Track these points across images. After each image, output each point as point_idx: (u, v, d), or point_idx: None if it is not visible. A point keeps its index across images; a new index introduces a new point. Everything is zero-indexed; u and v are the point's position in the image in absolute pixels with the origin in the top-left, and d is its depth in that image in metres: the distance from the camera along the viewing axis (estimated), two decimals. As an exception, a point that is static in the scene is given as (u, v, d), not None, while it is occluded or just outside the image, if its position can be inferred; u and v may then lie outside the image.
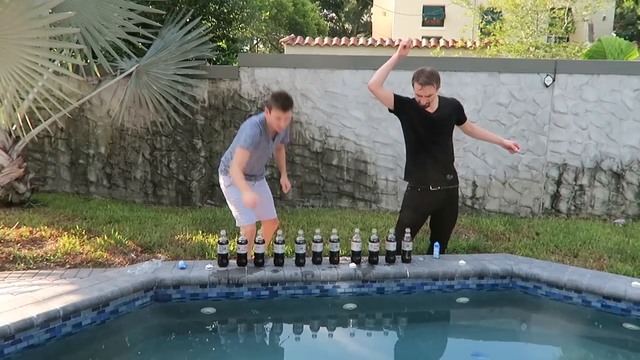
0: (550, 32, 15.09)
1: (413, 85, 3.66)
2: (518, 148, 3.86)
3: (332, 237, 3.44)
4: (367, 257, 3.54)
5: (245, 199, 3.32)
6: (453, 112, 3.81)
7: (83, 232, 5.09)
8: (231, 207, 3.84)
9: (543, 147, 6.34)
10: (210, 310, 3.14)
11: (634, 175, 6.31)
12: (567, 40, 15.91)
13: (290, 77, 6.39)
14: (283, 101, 3.53)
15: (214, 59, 7.44)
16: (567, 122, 6.28)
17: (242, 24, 8.98)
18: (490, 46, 14.95)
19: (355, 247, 3.44)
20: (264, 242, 3.44)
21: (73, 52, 6.06)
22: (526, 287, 3.46)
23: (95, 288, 2.86)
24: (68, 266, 4.42)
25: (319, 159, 6.52)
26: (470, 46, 16.87)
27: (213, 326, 3.08)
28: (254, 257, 3.44)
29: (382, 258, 3.58)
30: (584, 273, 3.41)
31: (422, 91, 3.56)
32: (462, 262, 3.53)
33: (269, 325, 3.20)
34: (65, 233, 5.09)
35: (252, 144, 3.55)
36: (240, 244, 3.33)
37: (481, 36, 16.10)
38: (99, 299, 2.75)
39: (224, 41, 8.41)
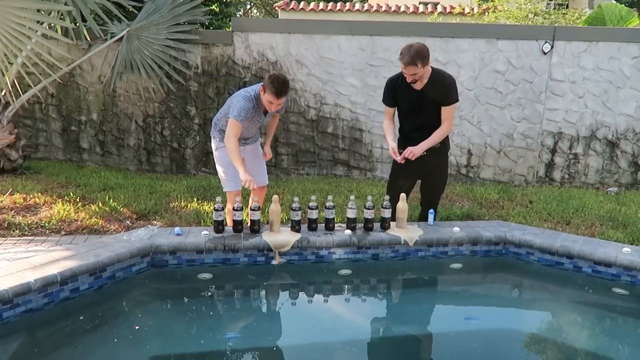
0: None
1: (399, 60, 3.51)
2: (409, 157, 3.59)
3: (327, 204, 3.45)
4: (362, 224, 3.55)
5: (241, 176, 3.30)
6: (437, 94, 3.60)
7: (77, 199, 5.08)
8: (219, 170, 3.82)
9: (539, 115, 6.32)
10: (206, 275, 3.16)
11: (628, 144, 6.33)
12: (567, 7, 15.65)
13: (284, 42, 6.27)
14: (278, 87, 3.37)
15: (207, 23, 7.27)
16: (564, 90, 6.25)
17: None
18: (488, 12, 14.69)
19: (351, 214, 3.45)
20: (259, 208, 3.44)
21: (61, 14, 5.90)
22: (519, 254, 3.51)
23: (92, 254, 2.86)
24: (63, 233, 4.42)
25: (314, 126, 6.48)
26: (468, 12, 16.57)
27: (209, 292, 3.11)
28: (249, 223, 3.43)
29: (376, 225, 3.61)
30: (576, 239, 3.45)
31: (407, 70, 3.46)
32: (456, 228, 3.56)
33: (265, 291, 3.24)
34: (60, 200, 5.07)
35: (245, 117, 3.51)
36: (236, 210, 3.33)
37: (479, 2, 15.80)
38: (95, 265, 2.76)
39: (216, 4, 8.21)
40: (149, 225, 3.34)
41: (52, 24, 5.87)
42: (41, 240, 4.21)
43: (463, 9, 16.58)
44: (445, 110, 3.65)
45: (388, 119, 3.85)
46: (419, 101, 3.64)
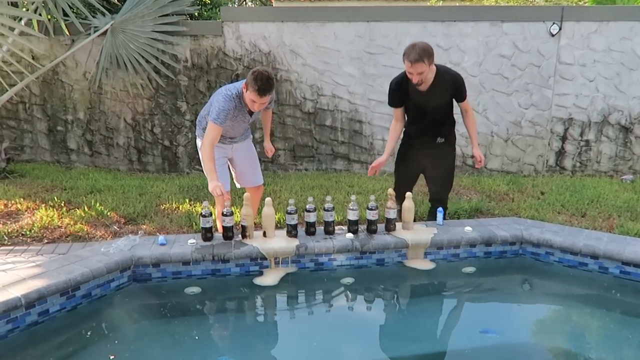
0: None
1: (404, 61, 3.29)
2: (481, 163, 3.54)
3: (326, 206, 3.14)
4: (365, 226, 3.25)
5: (210, 187, 3.01)
6: (448, 91, 3.45)
7: (62, 204, 4.80)
8: (205, 170, 3.52)
9: (548, 101, 5.99)
10: (194, 290, 2.85)
11: (642, 128, 6.01)
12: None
13: (277, 32, 5.94)
14: (261, 84, 3.02)
15: (195, 14, 6.93)
16: (574, 74, 5.91)
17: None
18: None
19: (352, 215, 3.14)
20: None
21: (38, 8, 5.56)
22: (537, 254, 3.20)
23: (64, 270, 2.56)
24: (46, 241, 4.14)
25: (311, 119, 6.16)
26: (454, 5, 16.13)
27: (198, 308, 2.81)
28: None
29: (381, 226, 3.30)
30: (600, 237, 3.14)
31: (413, 69, 3.24)
32: (468, 228, 3.25)
33: (260, 306, 2.92)
34: (43, 205, 4.79)
35: (224, 119, 3.18)
36: (225, 215, 3.02)
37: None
38: (67, 283, 2.46)
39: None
40: (130, 235, 3.04)
41: (30, 19, 5.53)
42: (21, 250, 3.92)
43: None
44: (463, 105, 3.58)
45: (396, 120, 3.65)
46: (426, 102, 3.44)
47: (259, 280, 2.95)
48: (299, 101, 6.10)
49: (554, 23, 5.76)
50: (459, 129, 3.85)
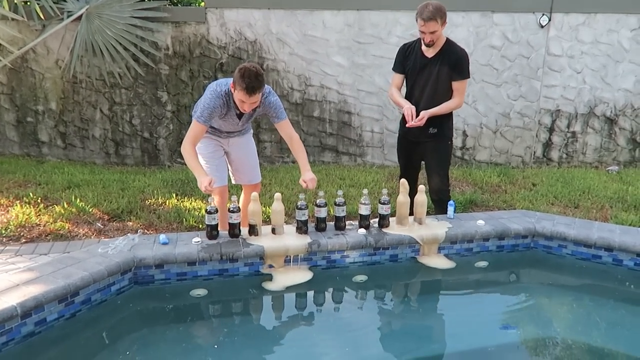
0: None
1: (417, 20, 3.28)
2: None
3: (337, 200, 2.98)
4: (376, 220, 3.12)
5: (199, 184, 2.78)
6: (447, 64, 3.37)
7: (38, 200, 4.48)
8: (201, 162, 3.30)
9: (536, 92, 6.00)
10: (200, 292, 2.65)
11: (627, 120, 6.10)
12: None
13: (264, 19, 5.72)
14: (249, 82, 2.73)
15: (176, 1, 6.62)
16: (562, 66, 5.93)
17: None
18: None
19: (364, 210, 2.99)
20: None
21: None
22: (549, 247, 3.14)
23: (61, 274, 2.32)
24: (24, 240, 3.85)
25: (299, 110, 5.98)
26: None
27: (205, 312, 2.62)
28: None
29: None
30: (613, 229, 3.11)
31: (425, 27, 3.21)
32: (480, 222, 3.16)
33: (271, 308, 2.74)
34: (18, 202, 4.46)
35: (208, 117, 2.93)
36: (232, 212, 2.83)
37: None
38: (66, 289, 2.22)
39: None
40: (129, 234, 2.81)
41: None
42: (-3, 251, 3.62)
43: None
44: (456, 84, 3.43)
45: (394, 86, 3.61)
46: (428, 69, 3.40)
47: (268, 285, 2.77)
48: (286, 91, 5.91)
49: (543, 14, 5.76)
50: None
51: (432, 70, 3.39)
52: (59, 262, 2.43)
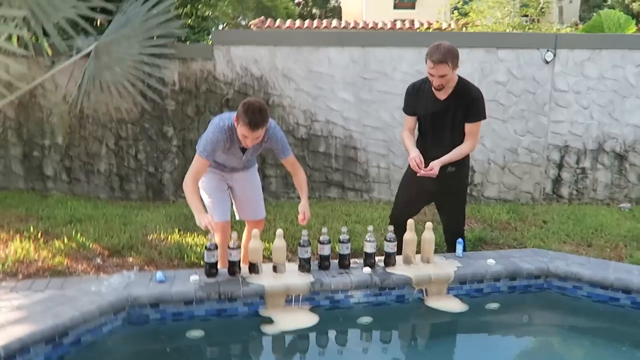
0: (524, 13, 14.79)
1: (426, 61, 3.10)
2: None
3: (341, 237, 2.89)
4: (381, 259, 3.00)
5: (197, 222, 2.72)
6: (461, 107, 3.16)
7: (39, 235, 4.41)
8: (204, 197, 3.23)
9: (544, 128, 5.94)
10: (197, 333, 2.53)
11: (637, 156, 5.99)
12: (538, 21, 15.67)
13: (270, 55, 5.76)
14: (252, 116, 2.70)
15: (183, 38, 6.72)
16: (569, 101, 5.89)
17: (208, 4, 8.20)
18: (467, 27, 14.56)
19: (369, 248, 2.89)
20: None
21: (17, 24, 5.24)
22: (564, 288, 3.01)
23: (50, 313, 2.22)
24: (21, 276, 3.76)
25: (304, 145, 5.95)
26: (446, 28, 16.45)
27: (203, 353, 2.49)
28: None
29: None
30: (631, 269, 2.98)
31: (435, 70, 3.01)
32: (490, 260, 3.04)
33: (271, 349, 2.61)
34: (18, 236, 4.39)
35: (211, 152, 2.90)
36: (232, 249, 2.74)
37: (457, 17, 15.69)
38: (53, 329, 2.12)
39: (192, 19, 7.67)
40: (124, 271, 2.72)
41: (7, 33, 5.20)
42: (-7, 288, 3.53)
43: (441, 25, 16.47)
44: (469, 127, 3.19)
45: (407, 129, 3.38)
46: (441, 114, 3.18)
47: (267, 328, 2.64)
48: (292, 127, 5.89)
49: (548, 50, 5.76)
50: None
51: (445, 113, 3.18)
52: (49, 301, 2.33)
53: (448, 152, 3.18)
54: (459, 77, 3.22)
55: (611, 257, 4.27)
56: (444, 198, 3.43)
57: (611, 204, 6.03)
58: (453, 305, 2.89)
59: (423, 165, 3.08)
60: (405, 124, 3.41)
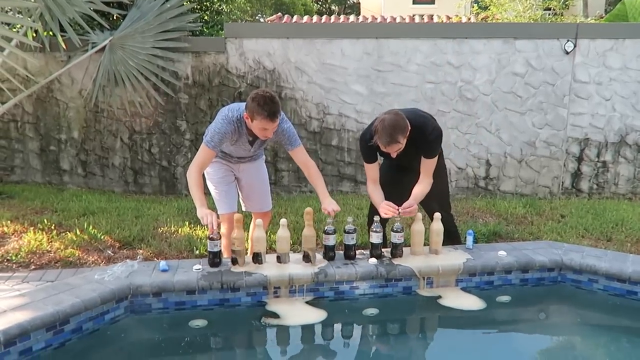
0: (547, 6, 14.47)
1: (375, 143, 2.82)
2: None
3: (346, 228, 2.83)
4: (388, 250, 2.94)
5: (198, 214, 2.67)
6: (420, 149, 2.94)
7: (52, 227, 4.46)
8: (211, 189, 3.22)
9: (563, 120, 5.77)
10: (200, 323, 2.51)
11: (661, 149, 5.79)
12: (562, 15, 15.32)
13: (282, 48, 5.72)
14: (269, 107, 2.64)
15: (197, 32, 6.72)
16: (590, 93, 5.71)
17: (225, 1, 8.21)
18: (487, 21, 14.31)
19: (375, 238, 2.83)
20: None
21: (34, 19, 5.31)
22: (579, 281, 2.90)
23: (52, 300, 2.23)
24: (33, 267, 3.80)
25: (317, 139, 5.90)
26: (466, 22, 16.21)
27: (204, 344, 2.47)
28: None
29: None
30: (649, 262, 2.85)
31: (389, 149, 2.79)
32: (502, 252, 2.95)
33: (274, 340, 2.58)
34: (32, 228, 4.45)
35: (219, 142, 2.84)
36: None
37: (477, 10, 15.44)
38: (54, 316, 2.12)
39: (207, 13, 7.67)
40: (128, 260, 2.71)
41: (24, 27, 5.28)
42: (5, 278, 3.58)
43: (460, 19, 16.24)
44: (425, 164, 2.96)
45: (371, 180, 3.08)
46: (400, 161, 2.98)
47: (270, 319, 2.60)
48: (304, 120, 5.85)
49: (568, 40, 5.59)
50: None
51: (401, 160, 2.95)
52: (52, 288, 2.34)
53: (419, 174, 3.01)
54: (412, 125, 2.84)
55: (632, 252, 4.12)
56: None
57: (634, 199, 5.84)
58: (462, 297, 2.81)
59: (396, 207, 2.83)
60: (367, 173, 3.11)
